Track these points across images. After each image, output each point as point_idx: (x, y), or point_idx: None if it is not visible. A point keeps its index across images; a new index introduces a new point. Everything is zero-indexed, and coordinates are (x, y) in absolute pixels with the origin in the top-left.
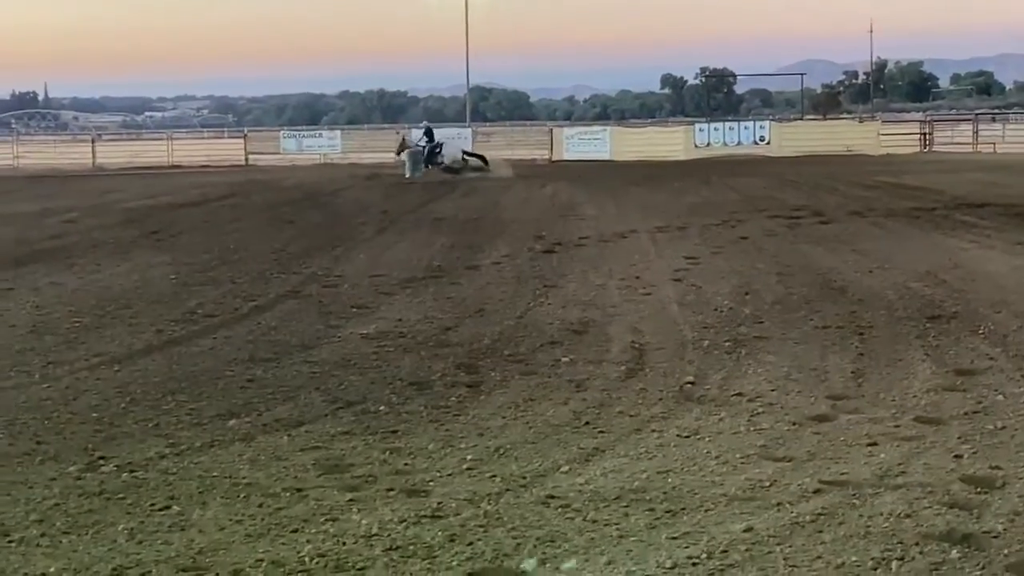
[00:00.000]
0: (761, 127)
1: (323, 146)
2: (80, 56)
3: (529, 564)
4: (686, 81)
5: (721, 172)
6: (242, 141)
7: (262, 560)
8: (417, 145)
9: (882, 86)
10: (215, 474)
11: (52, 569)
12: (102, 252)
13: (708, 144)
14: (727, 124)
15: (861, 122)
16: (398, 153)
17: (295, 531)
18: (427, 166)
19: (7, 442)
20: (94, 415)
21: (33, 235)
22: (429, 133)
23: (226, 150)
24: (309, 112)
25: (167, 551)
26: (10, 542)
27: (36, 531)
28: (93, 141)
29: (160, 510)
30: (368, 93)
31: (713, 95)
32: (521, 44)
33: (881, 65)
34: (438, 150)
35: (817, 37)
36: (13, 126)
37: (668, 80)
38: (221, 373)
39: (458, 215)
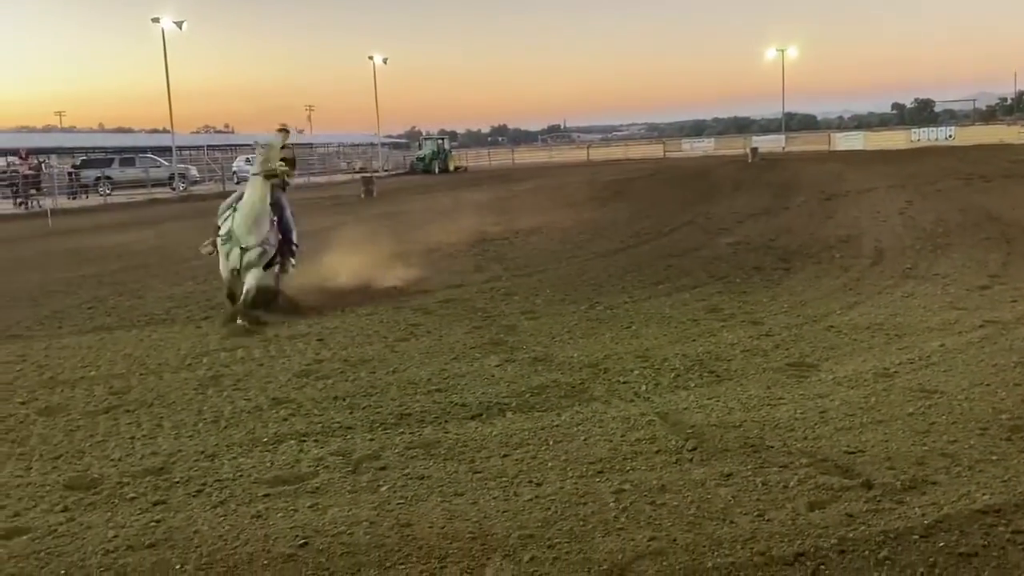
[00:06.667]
0: (950, 130)
1: (705, 147)
2: (587, 99)
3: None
4: (906, 105)
5: (927, 155)
6: (661, 145)
7: (677, 354)
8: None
9: (1022, 104)
10: (652, 311)
11: (575, 354)
12: (596, 203)
13: (919, 140)
14: (930, 128)
15: (1009, 126)
16: None
17: (693, 341)
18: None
19: (551, 293)
20: (592, 282)
21: (559, 198)
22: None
23: (654, 150)
24: (697, 128)
25: (630, 347)
26: (556, 341)
27: (568, 336)
28: (588, 147)
29: (626, 328)
30: (727, 118)
31: (922, 112)
32: (817, 86)
33: (1021, 92)
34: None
35: (989, 70)
36: (547, 143)
37: (896, 106)
38: (653, 262)
39: (777, 181)
